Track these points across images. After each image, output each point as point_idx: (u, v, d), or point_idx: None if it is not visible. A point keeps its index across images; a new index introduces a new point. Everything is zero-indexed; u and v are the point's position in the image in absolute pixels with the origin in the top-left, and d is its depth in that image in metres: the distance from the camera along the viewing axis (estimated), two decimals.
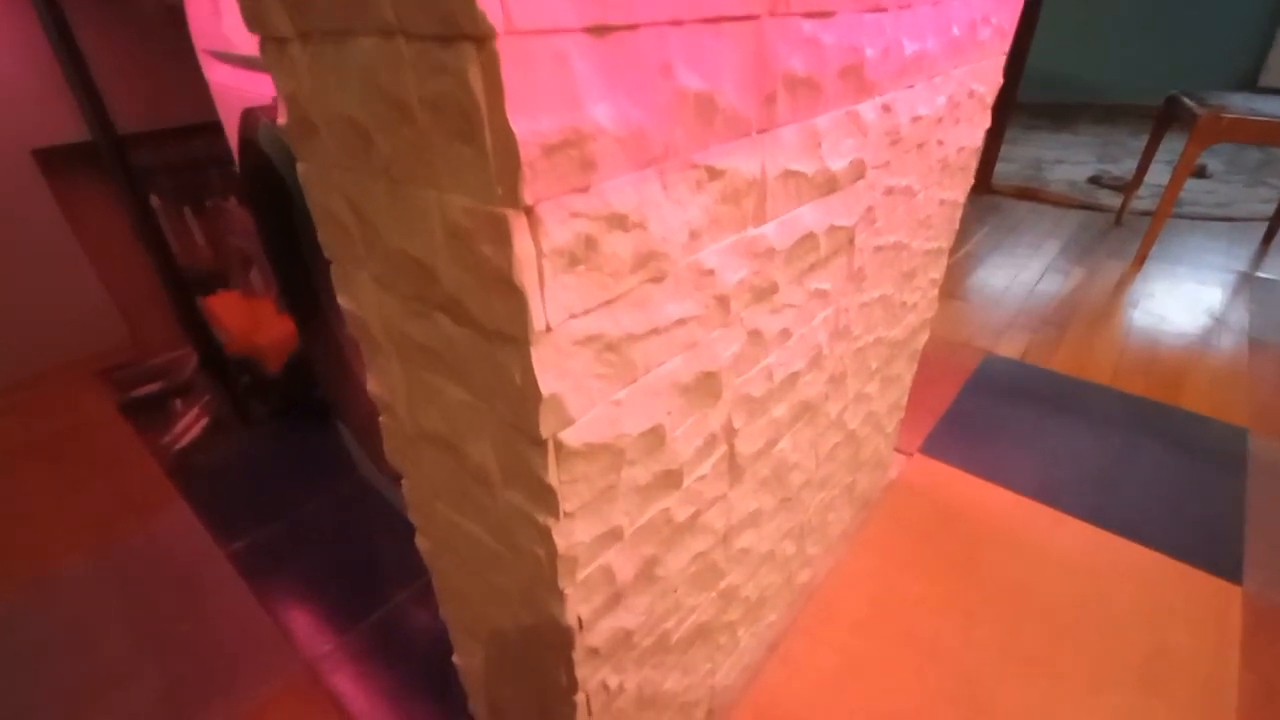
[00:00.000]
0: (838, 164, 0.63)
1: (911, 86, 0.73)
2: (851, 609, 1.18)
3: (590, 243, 0.39)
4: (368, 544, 1.39)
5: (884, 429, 1.27)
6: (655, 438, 0.54)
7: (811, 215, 0.63)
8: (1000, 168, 3.60)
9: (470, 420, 0.48)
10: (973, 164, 1.06)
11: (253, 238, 1.89)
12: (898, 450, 1.55)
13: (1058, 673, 1.07)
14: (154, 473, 1.59)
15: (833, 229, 0.69)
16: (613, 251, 0.41)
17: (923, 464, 1.52)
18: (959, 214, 1.10)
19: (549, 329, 0.39)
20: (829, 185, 0.64)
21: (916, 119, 0.77)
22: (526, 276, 0.36)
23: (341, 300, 0.54)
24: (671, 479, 0.59)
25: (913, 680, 1.06)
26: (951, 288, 2.36)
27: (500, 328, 0.39)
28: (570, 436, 0.45)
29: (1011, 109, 3.26)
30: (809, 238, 0.64)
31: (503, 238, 0.35)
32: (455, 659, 0.83)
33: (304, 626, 1.17)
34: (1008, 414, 1.69)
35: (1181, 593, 1.20)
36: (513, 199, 0.34)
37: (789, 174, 0.56)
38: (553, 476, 0.45)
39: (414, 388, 0.53)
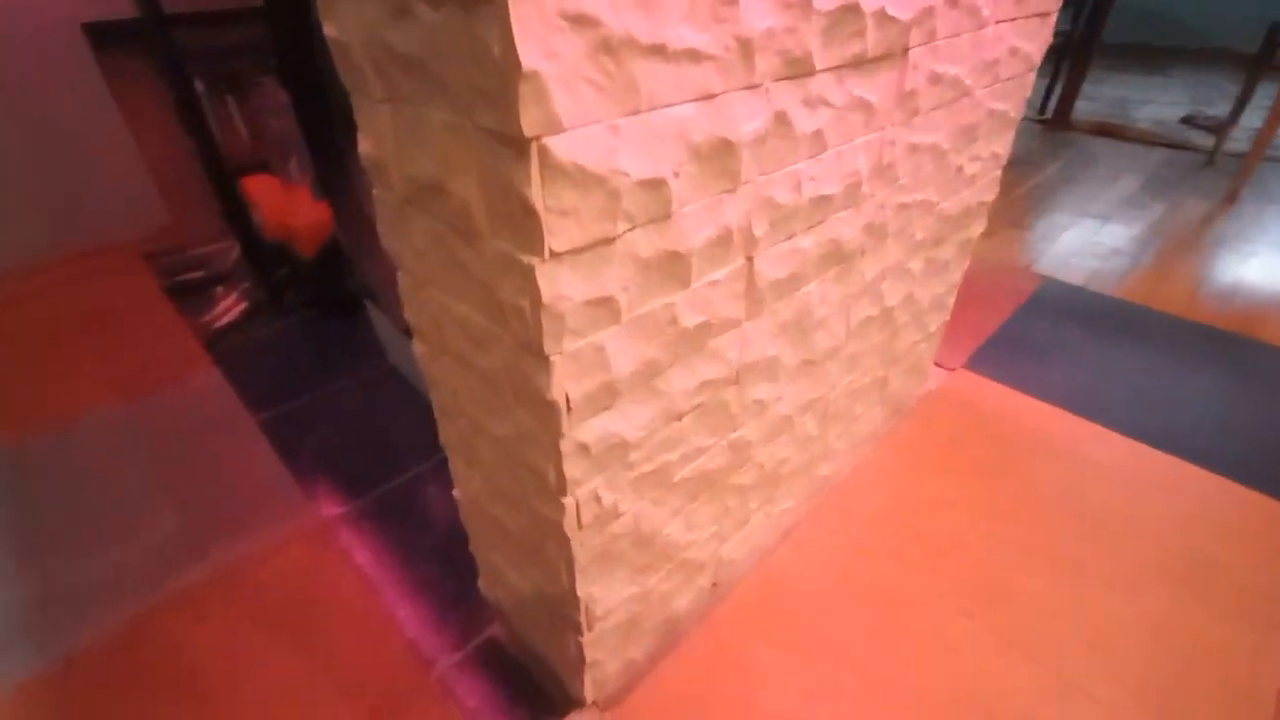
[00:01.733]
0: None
1: None
2: (871, 504, 1.13)
3: None
4: (389, 423, 1.40)
5: (925, 326, 1.18)
6: (658, 197, 0.48)
7: None
8: (1082, 104, 3.32)
9: (455, 145, 0.44)
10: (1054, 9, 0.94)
11: (291, 120, 1.87)
12: (938, 365, 1.46)
13: (1089, 573, 1.00)
14: (192, 346, 1.63)
15: (883, 16, 0.60)
16: None
17: (965, 378, 1.43)
18: (1031, 77, 0.98)
19: None
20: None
21: None
22: None
23: (327, 29, 0.49)
24: (678, 266, 0.54)
25: (928, 571, 1.00)
26: (1016, 216, 2.20)
27: None
28: (558, 146, 0.39)
29: (1096, 48, 2.98)
30: (855, 12, 0.56)
31: None
32: (455, 492, 0.81)
33: (321, 488, 1.19)
34: (1063, 336, 1.57)
35: (1230, 508, 1.11)
36: None
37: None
38: (536, 194, 0.40)
39: (400, 127, 0.48)
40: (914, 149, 0.80)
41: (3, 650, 0.90)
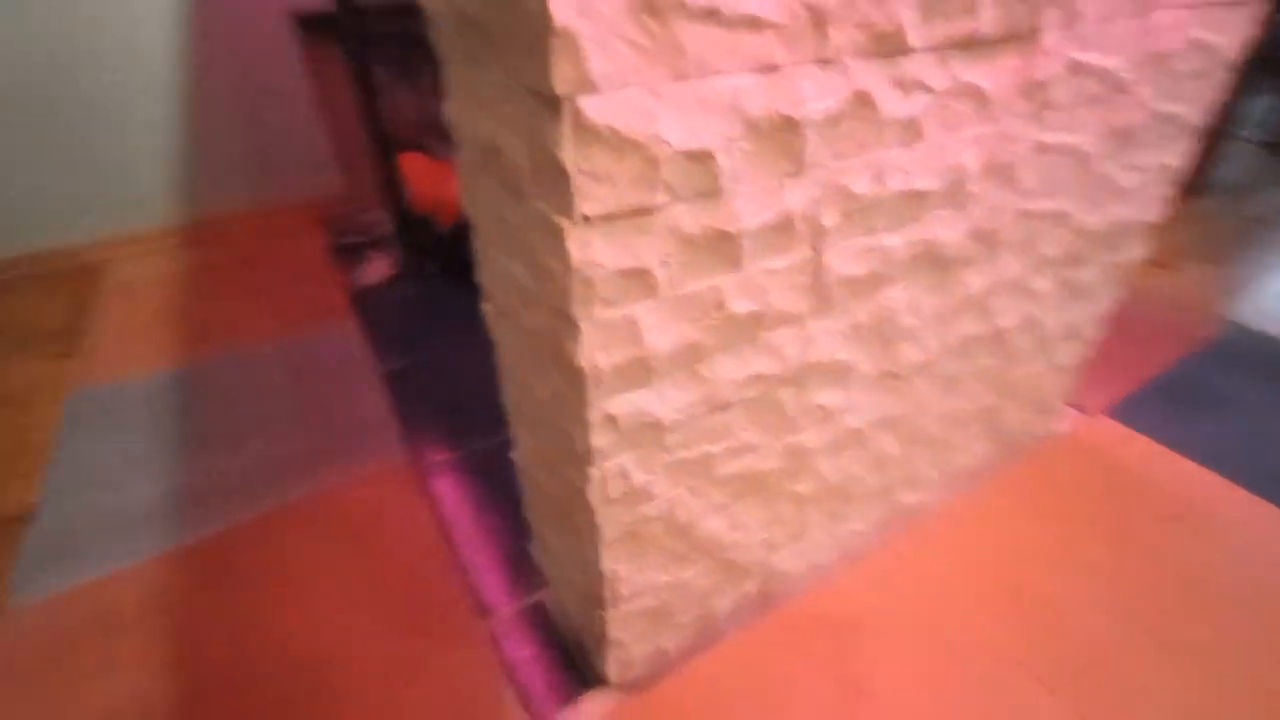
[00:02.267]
0: None
1: None
2: (960, 545, 1.02)
3: None
4: (495, 386, 1.49)
5: (1054, 357, 1.04)
6: (704, 171, 0.47)
7: None
8: None
9: (507, 105, 0.45)
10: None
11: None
12: (1072, 406, 1.28)
13: (1207, 662, 0.83)
14: (341, 299, 1.84)
15: None
16: None
17: (1103, 425, 1.24)
18: (1221, 77, 0.83)
19: None
20: None
21: None
22: None
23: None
24: (727, 248, 0.52)
25: (1010, 630, 0.89)
26: (1209, 250, 1.87)
27: None
28: (591, 107, 0.40)
29: None
30: None
31: None
32: (513, 454, 0.85)
33: (424, 435, 1.29)
34: (1238, 392, 1.31)
35: None
36: None
37: None
38: (568, 155, 0.41)
39: (469, 88, 0.51)
40: (1043, 149, 0.70)
41: (148, 526, 1.08)
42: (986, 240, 0.74)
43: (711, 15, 0.41)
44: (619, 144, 0.42)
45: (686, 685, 0.84)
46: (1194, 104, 0.84)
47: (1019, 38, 0.59)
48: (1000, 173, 0.69)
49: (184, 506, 1.12)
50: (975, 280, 0.78)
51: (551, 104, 0.39)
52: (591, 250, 0.45)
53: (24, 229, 1.86)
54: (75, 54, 1.74)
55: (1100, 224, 0.88)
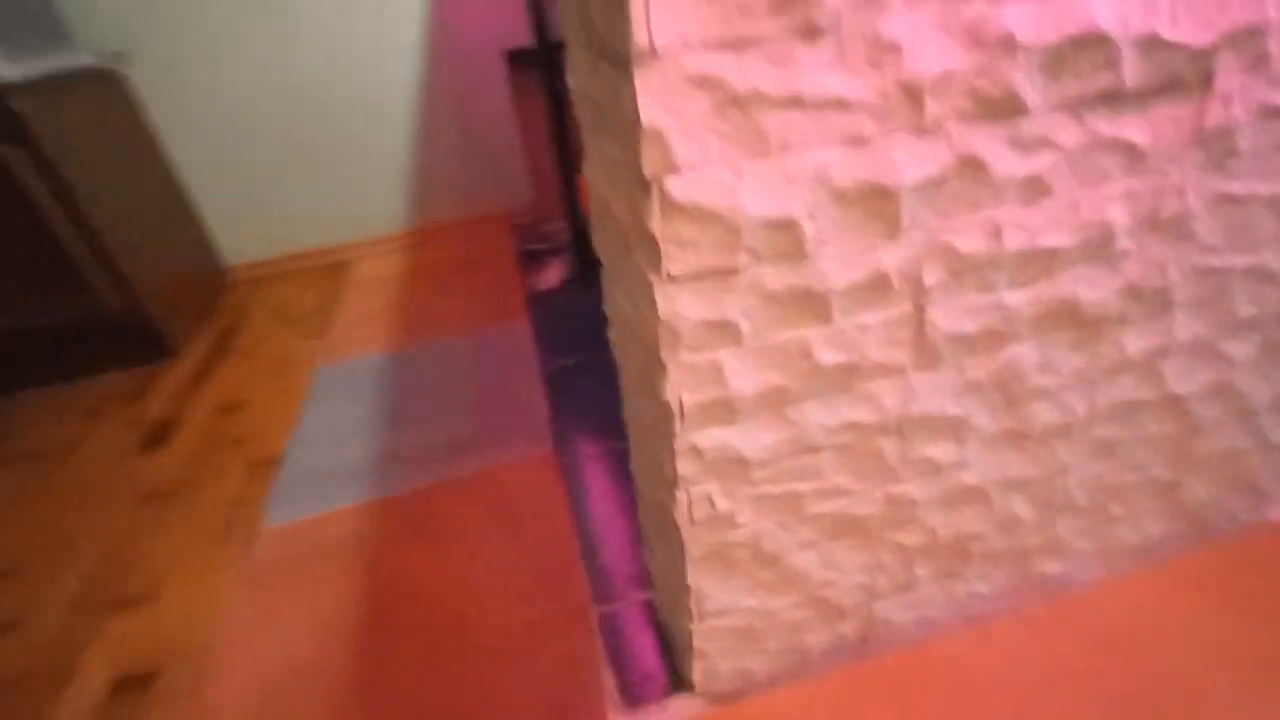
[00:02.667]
0: None
1: None
2: (1115, 630, 0.90)
3: None
4: None
5: (1260, 429, 0.87)
6: (788, 236, 0.50)
7: (1106, 9, 0.47)
8: None
9: (616, 174, 0.53)
10: None
11: None
12: None
13: None
14: (519, 302, 2.09)
15: (1155, 44, 0.49)
16: None
17: None
18: None
19: (655, 52, 0.41)
20: None
21: None
22: None
23: (569, 80, 0.63)
24: (815, 304, 0.55)
25: None
26: None
27: (617, 46, 0.42)
28: (675, 187, 0.46)
29: None
30: (1097, 40, 0.48)
31: None
32: (631, 466, 0.93)
33: (574, 430, 1.45)
34: None
35: None
36: None
37: None
38: (656, 224, 0.47)
39: (595, 154, 0.60)
40: (1229, 199, 0.61)
41: (356, 480, 1.35)
42: (1149, 299, 0.66)
43: (795, 102, 0.45)
44: (701, 215, 0.48)
45: (773, 708, 0.86)
46: None
47: (1184, 86, 0.53)
48: (1167, 227, 0.61)
49: (384, 468, 1.39)
50: (1134, 341, 0.70)
51: (643, 182, 0.46)
52: (678, 304, 0.51)
53: (293, 233, 2.38)
54: (334, 91, 2.19)
55: None
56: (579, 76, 0.58)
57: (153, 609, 1.13)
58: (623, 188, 0.52)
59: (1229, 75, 0.54)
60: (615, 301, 0.70)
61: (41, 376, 1.82)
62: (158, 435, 1.58)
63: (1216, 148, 0.58)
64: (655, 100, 0.42)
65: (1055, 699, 0.84)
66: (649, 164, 0.44)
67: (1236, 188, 0.61)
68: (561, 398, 1.55)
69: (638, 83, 0.41)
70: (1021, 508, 0.82)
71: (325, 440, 1.49)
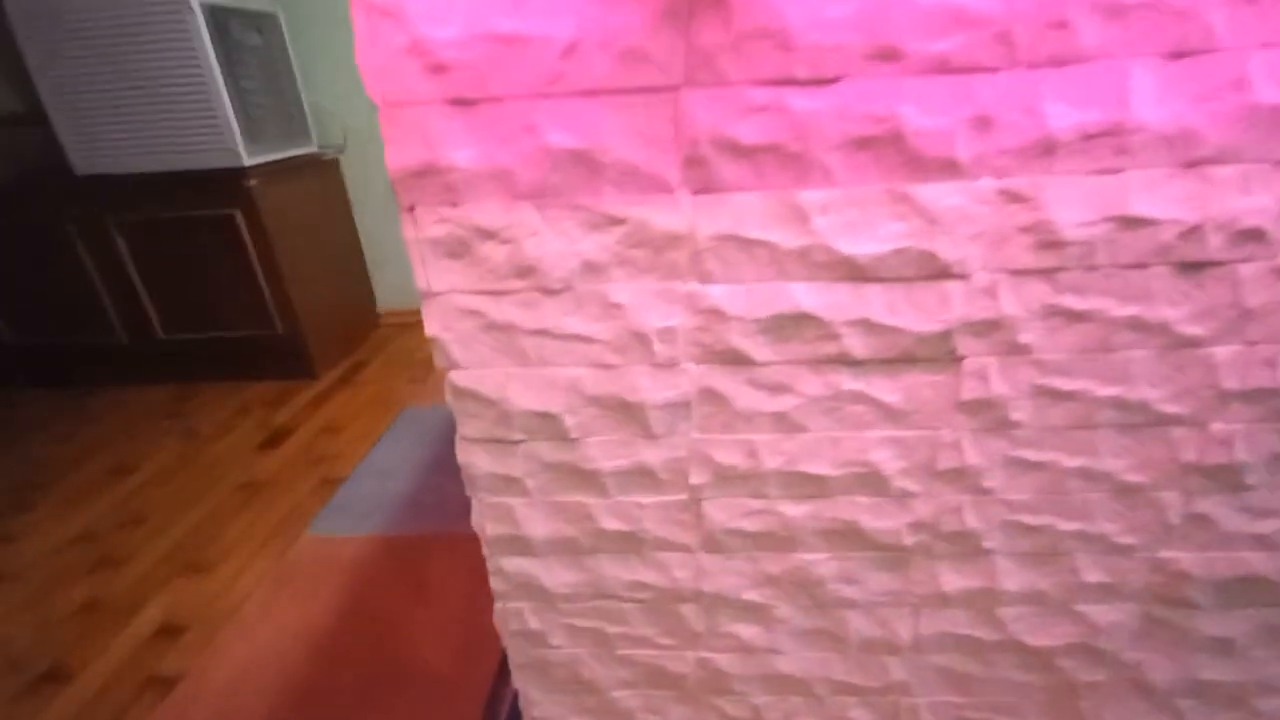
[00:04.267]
0: (860, 247, 0.53)
1: (1090, 172, 0.50)
2: None
3: (463, 244, 0.56)
4: None
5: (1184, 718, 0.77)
6: (553, 425, 0.64)
7: (810, 295, 0.56)
8: None
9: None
10: None
11: None
12: None
13: None
14: None
15: (867, 324, 0.57)
16: (486, 255, 0.56)
17: None
18: None
19: (433, 293, 0.58)
20: (843, 269, 0.54)
21: (1126, 220, 0.51)
22: (414, 253, 0.57)
23: None
24: (588, 479, 0.67)
25: None
26: None
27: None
28: (458, 377, 0.62)
29: None
30: (807, 317, 0.57)
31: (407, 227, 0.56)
32: None
33: None
34: None
35: None
36: (404, 204, 0.55)
37: (742, 242, 0.54)
38: (451, 400, 0.64)
39: None
40: (1018, 462, 0.63)
41: (386, 513, 1.62)
42: (956, 540, 0.68)
43: (544, 333, 0.60)
44: (479, 399, 0.63)
45: None
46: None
47: (928, 360, 0.58)
48: (952, 477, 0.64)
49: (401, 507, 1.64)
50: (951, 579, 0.70)
51: (442, 371, 0.63)
52: (472, 456, 0.67)
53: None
54: None
55: (1197, 567, 0.67)
56: None
57: (207, 577, 1.45)
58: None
59: (978, 358, 0.58)
60: None
61: (222, 374, 2.39)
62: (275, 439, 2.01)
63: (988, 416, 0.61)
64: (435, 321, 0.59)
65: None
66: (436, 360, 0.61)
67: (1028, 454, 0.62)
68: None
69: (424, 309, 0.59)
70: (859, 714, 0.82)
71: (380, 473, 1.79)
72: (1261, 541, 0.65)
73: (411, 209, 0.55)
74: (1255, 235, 0.51)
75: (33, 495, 1.78)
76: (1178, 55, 0.46)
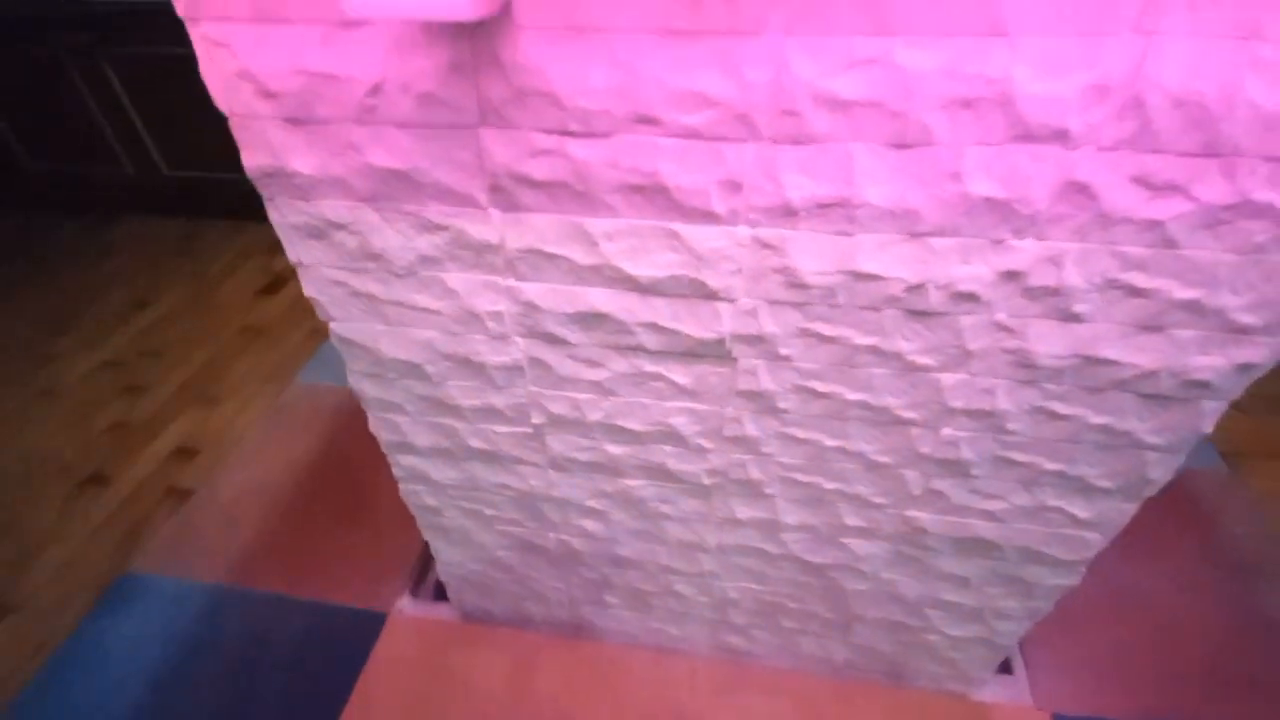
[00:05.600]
0: (643, 270, 0.63)
1: (830, 231, 0.57)
2: (749, 705, 1.12)
3: (319, 231, 0.66)
4: None
5: (934, 623, 0.99)
6: (418, 372, 0.78)
7: (606, 300, 0.66)
8: None
9: None
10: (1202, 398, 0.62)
11: None
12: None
13: None
14: None
15: (655, 326, 0.67)
16: (340, 241, 0.67)
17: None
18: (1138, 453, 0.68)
19: (304, 264, 0.70)
20: (630, 284, 0.64)
21: (857, 274, 0.59)
22: (282, 234, 0.67)
23: None
24: (451, 410, 0.83)
25: None
26: None
27: None
28: (337, 328, 0.76)
29: None
30: (602, 317, 0.68)
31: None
32: None
33: None
34: None
35: None
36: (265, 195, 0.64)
37: (545, 254, 0.63)
38: (336, 344, 0.78)
39: None
40: (789, 438, 0.77)
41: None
42: (743, 487, 0.84)
43: (399, 303, 0.72)
44: (358, 346, 0.77)
45: (495, 635, 1.22)
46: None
47: (710, 356, 0.70)
48: (738, 444, 0.78)
49: None
50: (743, 510, 0.88)
51: (327, 327, 0.77)
52: (361, 385, 0.83)
53: None
54: None
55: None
56: None
57: (216, 408, 1.73)
58: None
59: (749, 360, 0.69)
60: None
61: (226, 212, 2.52)
62: (273, 286, 2.20)
63: (761, 403, 0.73)
64: (310, 285, 0.72)
65: None
66: (319, 313, 0.75)
67: (796, 432, 0.76)
68: None
69: (301, 277, 0.71)
70: (683, 587, 1.05)
71: None
72: (987, 514, 0.80)
73: (272, 199, 0.65)
74: (971, 297, 0.59)
75: (66, 321, 2.04)
76: (899, 146, 0.51)
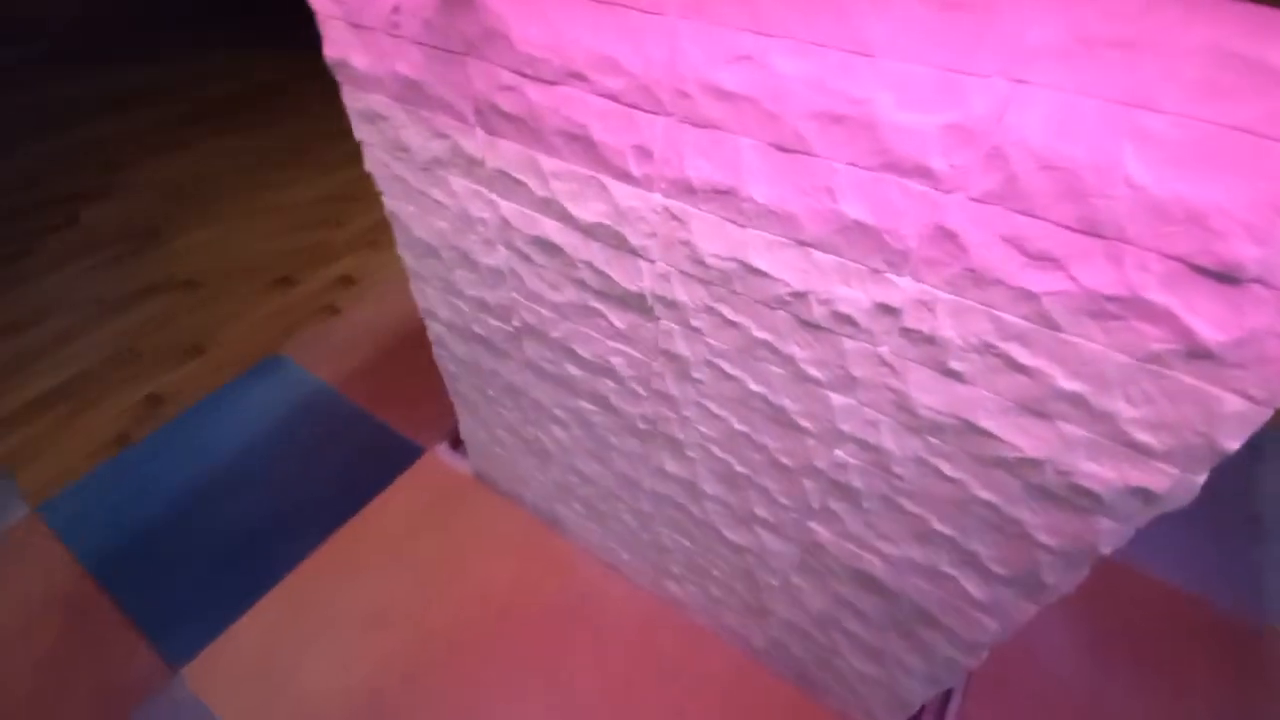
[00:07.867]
0: (581, 213, 0.70)
1: (732, 222, 0.59)
2: (662, 644, 1.20)
3: (371, 117, 0.82)
4: None
5: (833, 629, 0.98)
6: (433, 251, 0.94)
7: (557, 233, 0.75)
8: None
9: None
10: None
11: None
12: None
13: None
14: None
15: (595, 268, 0.74)
16: (383, 130, 0.82)
17: None
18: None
19: (361, 141, 0.87)
20: (574, 222, 0.72)
21: (749, 267, 0.60)
22: (350, 115, 0.85)
23: None
24: (458, 294, 0.98)
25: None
26: None
27: None
28: (387, 201, 0.93)
29: None
30: (554, 246, 0.76)
31: None
32: None
33: None
34: None
35: None
36: (339, 80, 0.81)
37: (512, 178, 0.73)
38: (389, 217, 0.96)
39: None
40: (712, 414, 0.80)
41: None
42: (668, 442, 0.89)
43: (422, 193, 0.86)
44: (401, 223, 0.95)
45: (490, 501, 1.43)
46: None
47: (640, 309, 0.75)
48: (660, 397, 0.84)
49: None
50: (669, 463, 0.93)
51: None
52: (404, 253, 1.01)
53: None
54: None
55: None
56: None
57: (378, 253, 2.11)
58: None
59: (668, 322, 0.74)
60: None
61: None
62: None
63: (679, 367, 0.78)
64: (370, 161, 0.89)
65: (575, 638, 1.23)
66: (377, 185, 0.93)
67: (710, 405, 0.79)
68: None
69: (363, 150, 0.89)
70: (628, 518, 1.14)
71: None
72: (881, 555, 0.77)
73: (343, 85, 0.82)
74: (851, 320, 0.58)
75: (298, 156, 2.57)
76: (780, 149, 0.52)
